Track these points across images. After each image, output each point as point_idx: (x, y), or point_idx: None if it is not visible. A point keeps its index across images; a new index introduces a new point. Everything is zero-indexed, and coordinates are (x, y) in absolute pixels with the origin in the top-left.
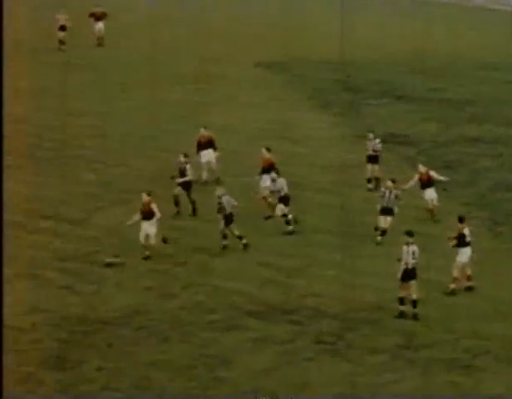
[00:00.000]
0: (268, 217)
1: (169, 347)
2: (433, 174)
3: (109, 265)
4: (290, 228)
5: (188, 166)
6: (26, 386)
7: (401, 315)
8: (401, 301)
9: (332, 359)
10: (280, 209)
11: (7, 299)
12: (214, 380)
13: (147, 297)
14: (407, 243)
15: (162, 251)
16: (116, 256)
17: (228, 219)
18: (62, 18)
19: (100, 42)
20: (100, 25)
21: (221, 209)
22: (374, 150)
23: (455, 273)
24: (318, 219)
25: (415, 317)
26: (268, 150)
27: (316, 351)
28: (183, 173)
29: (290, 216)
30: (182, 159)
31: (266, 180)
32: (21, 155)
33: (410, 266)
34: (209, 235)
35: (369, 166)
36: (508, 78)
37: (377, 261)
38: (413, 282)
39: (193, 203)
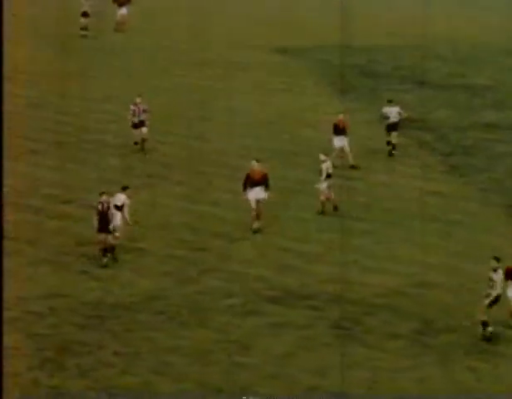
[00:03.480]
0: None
1: (187, 332)
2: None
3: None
4: None
5: (112, 205)
6: (44, 371)
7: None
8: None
9: (350, 344)
10: None
11: (25, 284)
12: (233, 365)
13: (165, 282)
14: (495, 269)
15: (180, 236)
16: (135, 241)
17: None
18: (86, 4)
19: (121, 28)
20: (123, 10)
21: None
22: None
23: None
24: (338, 203)
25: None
26: (258, 161)
27: (334, 336)
28: (105, 214)
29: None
30: (104, 197)
31: (259, 193)
32: (41, 140)
33: (498, 293)
34: (228, 221)
35: (388, 134)
36: None
37: (397, 246)
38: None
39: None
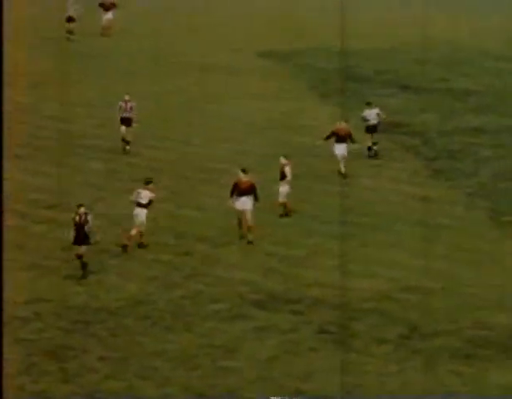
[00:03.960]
0: (249, 242)
1: (172, 336)
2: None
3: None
4: None
5: (89, 218)
6: (29, 376)
7: None
8: None
9: (335, 349)
10: None
11: (11, 289)
12: (218, 369)
13: (151, 286)
14: None
15: (165, 241)
16: (119, 245)
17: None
18: (71, 9)
19: (106, 32)
20: (108, 15)
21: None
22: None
23: None
24: (323, 208)
25: None
26: (245, 171)
27: (319, 340)
28: (82, 227)
29: None
30: (82, 209)
31: (245, 203)
32: (25, 144)
33: None
34: (214, 226)
35: (368, 135)
36: None
37: (383, 250)
38: None
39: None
